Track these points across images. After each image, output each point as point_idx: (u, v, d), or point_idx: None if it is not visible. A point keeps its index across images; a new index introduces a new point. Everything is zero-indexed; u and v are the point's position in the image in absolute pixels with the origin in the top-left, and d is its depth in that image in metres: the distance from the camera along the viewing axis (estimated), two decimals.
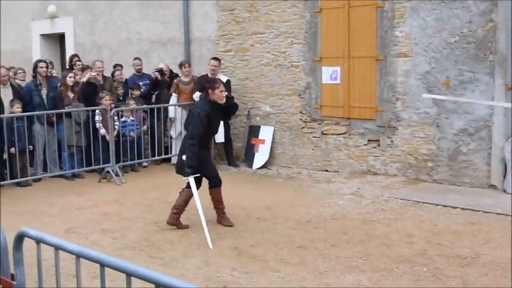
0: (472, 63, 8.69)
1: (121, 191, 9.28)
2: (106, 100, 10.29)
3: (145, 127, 11.01)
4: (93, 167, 10.32)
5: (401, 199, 8.32)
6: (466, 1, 8.66)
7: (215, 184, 7.19)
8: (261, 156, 11.05)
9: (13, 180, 9.41)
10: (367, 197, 8.53)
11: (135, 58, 12.22)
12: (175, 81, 11.39)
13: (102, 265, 2.99)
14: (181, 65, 11.38)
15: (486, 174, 8.69)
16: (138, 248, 6.48)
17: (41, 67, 10.32)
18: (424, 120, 9.22)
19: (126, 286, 2.87)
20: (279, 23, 10.77)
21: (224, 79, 10.24)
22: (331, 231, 6.94)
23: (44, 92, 10.28)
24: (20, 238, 3.42)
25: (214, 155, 10.95)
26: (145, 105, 11.20)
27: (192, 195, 6.90)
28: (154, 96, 11.78)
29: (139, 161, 10.85)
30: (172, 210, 7.13)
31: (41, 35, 15.60)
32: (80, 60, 11.75)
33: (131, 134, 10.60)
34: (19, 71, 11.50)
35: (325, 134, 10.40)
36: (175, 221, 7.10)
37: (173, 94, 11.33)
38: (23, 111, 9.61)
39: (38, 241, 3.37)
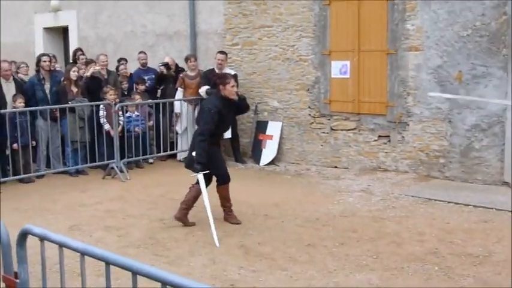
0: (485, 57, 8.66)
1: (126, 188, 9.29)
2: (110, 95, 10.30)
3: (151, 122, 10.99)
4: (97, 163, 10.32)
5: (412, 196, 8.31)
6: None
7: (223, 181, 7.21)
8: (268, 152, 11.04)
9: (16, 177, 9.45)
10: (377, 194, 8.52)
11: (140, 52, 12.23)
12: (181, 75, 11.38)
13: (108, 263, 3.00)
14: (187, 59, 11.38)
15: (499, 171, 8.67)
16: (143, 245, 6.50)
17: (44, 61, 10.33)
18: (435, 115, 9.20)
19: (132, 285, 2.87)
20: (287, 16, 10.75)
21: (231, 73, 10.22)
22: (341, 229, 6.94)
23: (47, 86, 10.30)
24: (23, 235, 3.43)
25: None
26: (150, 100, 11.19)
27: (201, 191, 6.92)
28: (159, 90, 11.79)
29: (144, 157, 10.85)
30: (182, 205, 7.16)
31: (44, 28, 15.60)
32: (83, 54, 11.76)
33: (136, 129, 10.61)
34: (22, 65, 11.52)
35: (334, 130, 10.39)
36: (183, 217, 7.13)
37: (179, 89, 11.33)
38: (25, 106, 9.63)
39: (42, 238, 3.37)
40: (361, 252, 6.14)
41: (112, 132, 10.19)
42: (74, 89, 10.27)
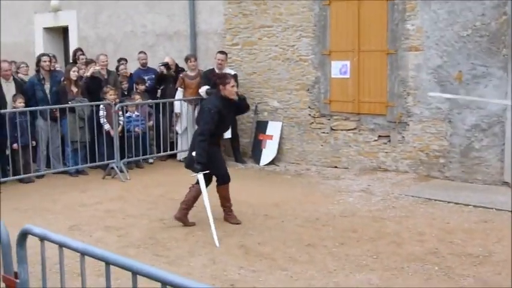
0: (485, 57, 8.67)
1: (126, 188, 9.30)
2: (110, 95, 10.30)
3: (151, 123, 10.99)
4: (97, 163, 10.33)
5: (412, 196, 8.31)
6: None
7: (223, 181, 7.22)
8: (268, 152, 11.04)
9: (16, 177, 9.45)
10: (377, 194, 8.52)
11: (140, 52, 12.23)
12: (181, 75, 11.38)
13: (108, 263, 3.00)
14: (187, 59, 11.38)
15: (499, 171, 8.67)
16: (143, 245, 6.50)
17: (44, 61, 10.34)
18: (435, 115, 9.20)
19: (132, 285, 2.88)
20: (287, 16, 10.75)
21: (231, 73, 10.23)
22: (341, 229, 6.95)
23: (47, 86, 10.31)
24: (23, 235, 3.43)
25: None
26: (150, 100, 11.20)
27: (201, 191, 6.93)
28: (159, 90, 11.80)
29: (144, 157, 10.85)
30: (182, 205, 7.17)
31: (44, 28, 15.61)
32: (83, 54, 11.76)
33: (136, 129, 10.61)
34: (22, 65, 11.52)
35: (334, 130, 10.39)
36: (183, 217, 7.13)
37: (179, 89, 11.33)
38: (25, 106, 9.63)
39: (42, 239, 3.38)
40: (361, 252, 6.14)
41: (112, 132, 10.19)
42: (74, 89, 10.27)
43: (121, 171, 9.95)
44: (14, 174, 9.44)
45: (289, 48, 10.79)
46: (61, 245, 3.29)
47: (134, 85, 11.43)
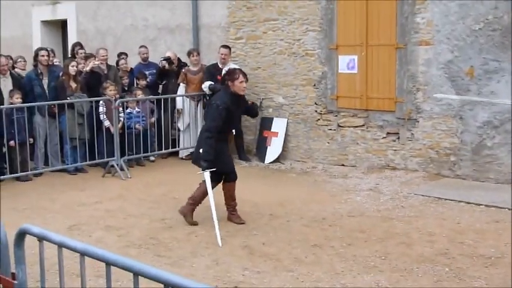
0: (497, 51, 8.64)
1: (126, 187, 9.31)
2: (110, 90, 10.31)
3: (153, 119, 11.01)
4: (96, 161, 10.36)
5: (422, 195, 8.31)
6: None
7: (230, 179, 7.26)
8: (273, 150, 11.05)
9: (13, 175, 9.47)
10: (385, 193, 8.52)
11: (141, 46, 12.23)
12: (183, 70, 11.40)
13: (108, 264, 3.00)
14: (189, 54, 11.39)
15: None
16: (144, 246, 6.52)
17: (42, 55, 10.35)
18: (446, 112, 9.18)
19: (133, 286, 2.88)
20: (293, 9, 10.74)
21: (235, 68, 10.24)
22: (348, 229, 6.95)
23: (45, 81, 10.32)
24: (21, 235, 3.43)
25: None
26: (151, 96, 11.21)
27: None
28: (161, 86, 11.81)
29: (145, 154, 10.86)
30: (189, 200, 7.20)
31: (42, 21, 15.64)
32: (82, 49, 11.78)
33: (137, 126, 10.61)
34: (19, 60, 11.51)
35: (341, 127, 10.38)
36: (188, 212, 7.17)
37: (181, 84, 11.35)
38: (23, 102, 9.66)
39: (41, 238, 3.38)
40: (369, 253, 6.14)
41: (112, 129, 10.20)
42: (73, 85, 10.28)
43: (121, 169, 9.96)
44: (11, 173, 9.44)
45: (295, 43, 10.78)
46: (60, 245, 3.29)
47: (135, 80, 11.45)
